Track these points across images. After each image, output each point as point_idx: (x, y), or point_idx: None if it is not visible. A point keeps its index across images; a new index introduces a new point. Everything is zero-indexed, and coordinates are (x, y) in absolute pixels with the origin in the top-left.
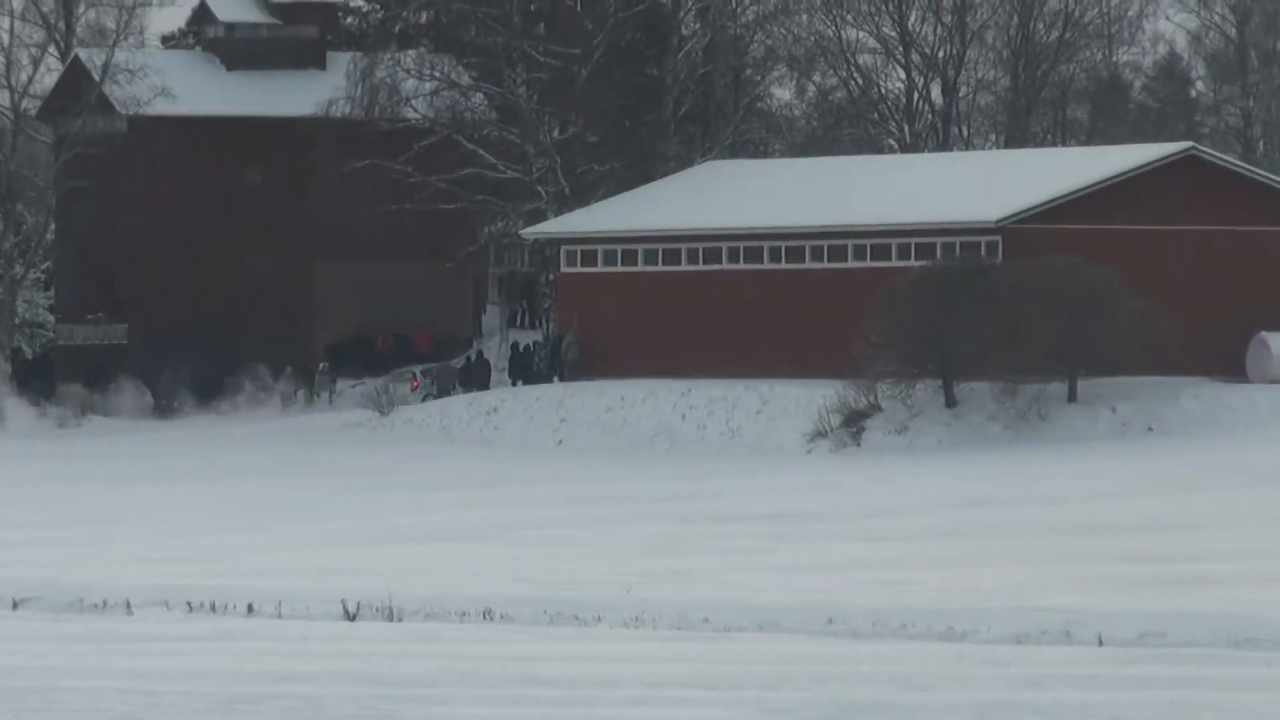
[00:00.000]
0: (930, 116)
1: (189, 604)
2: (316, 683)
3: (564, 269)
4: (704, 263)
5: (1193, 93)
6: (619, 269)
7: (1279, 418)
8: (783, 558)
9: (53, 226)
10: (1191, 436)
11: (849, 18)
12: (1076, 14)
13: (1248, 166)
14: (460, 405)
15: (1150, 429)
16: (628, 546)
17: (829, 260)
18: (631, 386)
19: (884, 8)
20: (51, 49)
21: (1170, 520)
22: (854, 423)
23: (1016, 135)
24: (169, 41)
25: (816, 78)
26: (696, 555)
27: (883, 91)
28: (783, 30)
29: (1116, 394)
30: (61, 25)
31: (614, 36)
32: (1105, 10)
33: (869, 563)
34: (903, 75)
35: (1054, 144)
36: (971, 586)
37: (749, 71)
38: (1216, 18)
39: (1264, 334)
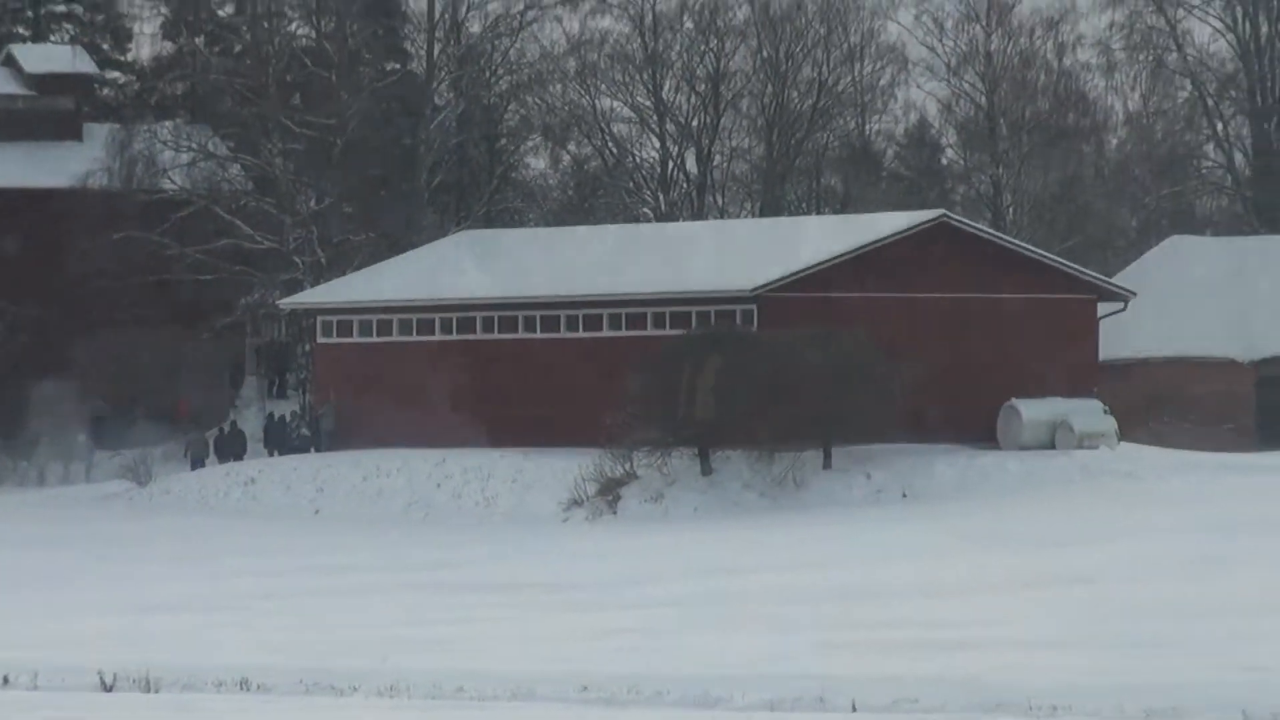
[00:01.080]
0: (685, 185)
1: None
2: None
3: (320, 339)
4: (458, 332)
5: (944, 160)
6: (374, 339)
7: (1030, 484)
8: (538, 626)
9: None
10: (945, 502)
11: (603, 87)
12: (830, 82)
13: (998, 234)
14: (218, 476)
15: (905, 495)
16: (384, 616)
17: (585, 329)
18: (387, 456)
19: (638, 77)
20: None
21: (923, 586)
22: (610, 491)
23: (771, 203)
24: None
25: (571, 147)
26: (452, 624)
27: (637, 160)
28: (537, 100)
29: (871, 461)
30: None
31: (368, 106)
32: (858, 79)
33: (624, 630)
34: (658, 144)
35: (809, 212)
36: (726, 653)
37: (503, 141)
38: (967, 86)
39: (1015, 401)
